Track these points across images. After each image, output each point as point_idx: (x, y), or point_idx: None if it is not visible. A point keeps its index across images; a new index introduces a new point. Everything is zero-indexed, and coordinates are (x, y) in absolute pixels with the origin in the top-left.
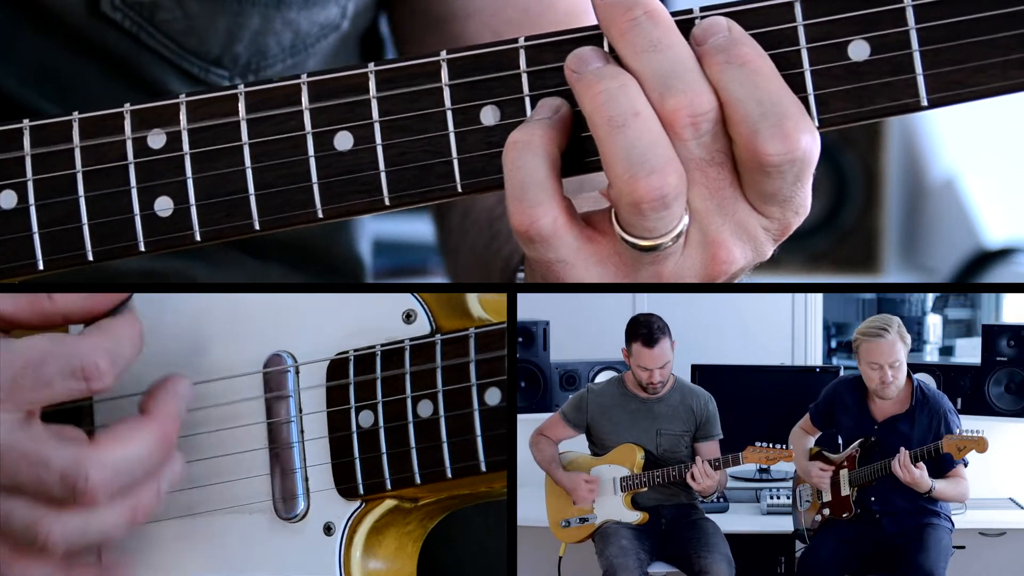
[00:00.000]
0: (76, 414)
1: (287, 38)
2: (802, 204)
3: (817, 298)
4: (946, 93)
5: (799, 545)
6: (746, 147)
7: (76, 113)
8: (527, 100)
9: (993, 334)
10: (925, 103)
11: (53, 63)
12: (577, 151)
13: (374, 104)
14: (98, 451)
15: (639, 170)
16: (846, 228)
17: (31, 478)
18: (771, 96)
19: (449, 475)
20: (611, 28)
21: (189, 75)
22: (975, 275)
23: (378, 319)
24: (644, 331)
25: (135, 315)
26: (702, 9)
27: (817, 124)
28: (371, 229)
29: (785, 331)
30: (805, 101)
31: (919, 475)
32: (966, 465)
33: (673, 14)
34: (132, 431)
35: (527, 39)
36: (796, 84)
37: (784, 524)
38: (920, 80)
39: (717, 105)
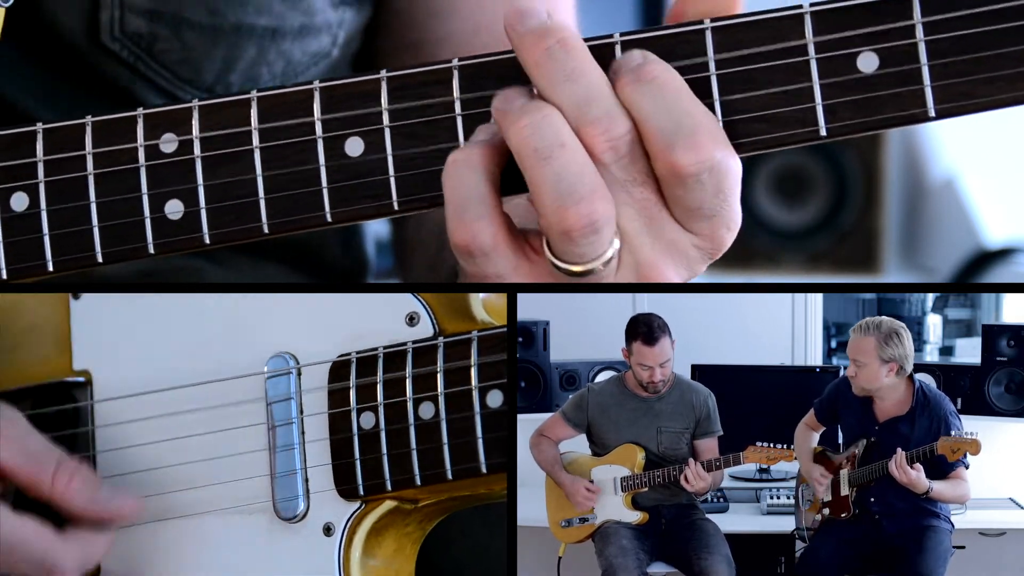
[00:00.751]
0: (75, 415)
1: (279, 67)
2: (731, 219)
3: (817, 298)
4: (954, 104)
5: (799, 545)
6: (662, 161)
7: (89, 117)
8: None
9: (993, 334)
10: (933, 114)
11: (58, 90)
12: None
13: (385, 111)
14: None
15: (567, 200)
16: (846, 228)
17: None
18: (681, 109)
19: (449, 477)
20: (526, 59)
21: (183, 103)
22: (975, 275)
23: (381, 321)
24: (644, 329)
25: (112, 535)
26: (712, 20)
27: (825, 134)
28: (374, 229)
29: (785, 331)
30: (813, 112)
31: (915, 476)
32: (967, 467)
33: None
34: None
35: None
36: (805, 95)
37: (784, 524)
38: (928, 92)
39: (632, 126)
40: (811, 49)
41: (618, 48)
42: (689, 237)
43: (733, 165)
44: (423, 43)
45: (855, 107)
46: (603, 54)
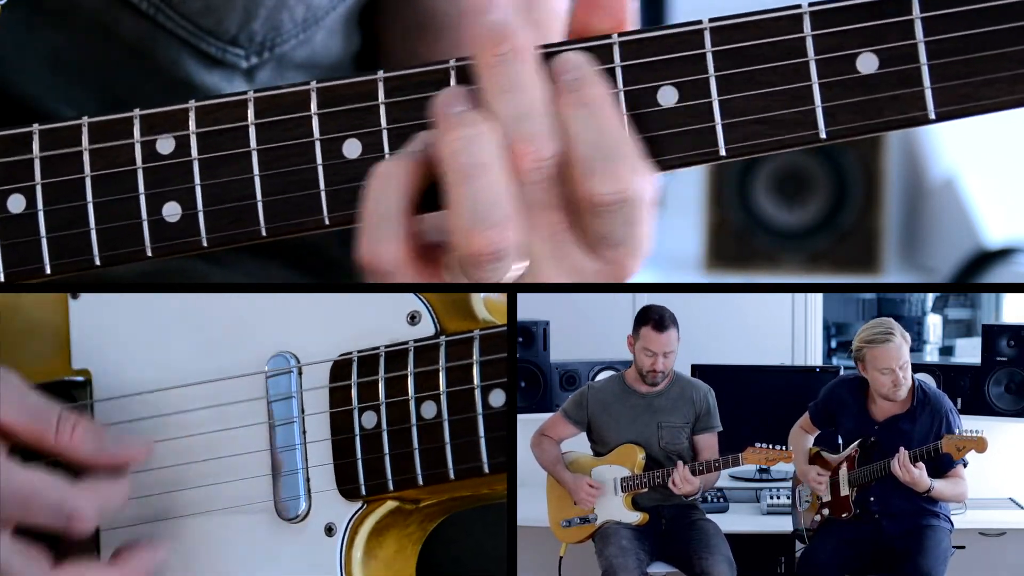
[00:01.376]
0: None
1: (300, 12)
2: (638, 247)
3: (817, 298)
4: (954, 107)
5: (799, 545)
6: (582, 187)
7: (85, 117)
8: None
9: (993, 334)
10: (933, 116)
11: (67, 52)
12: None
13: (383, 111)
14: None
15: (480, 224)
16: (846, 228)
17: None
18: (610, 138)
19: (452, 476)
20: (480, 60)
21: (206, 55)
22: (975, 275)
23: (382, 320)
24: (656, 316)
25: (128, 480)
26: (711, 20)
27: (824, 136)
28: None
29: (785, 331)
30: (812, 114)
31: (918, 475)
32: (965, 465)
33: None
34: (96, 574)
35: (536, 47)
36: (804, 96)
37: (784, 524)
38: (928, 94)
39: (561, 150)
40: (810, 49)
41: (616, 49)
42: (594, 264)
43: (646, 198)
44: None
45: (855, 109)
46: (600, 54)
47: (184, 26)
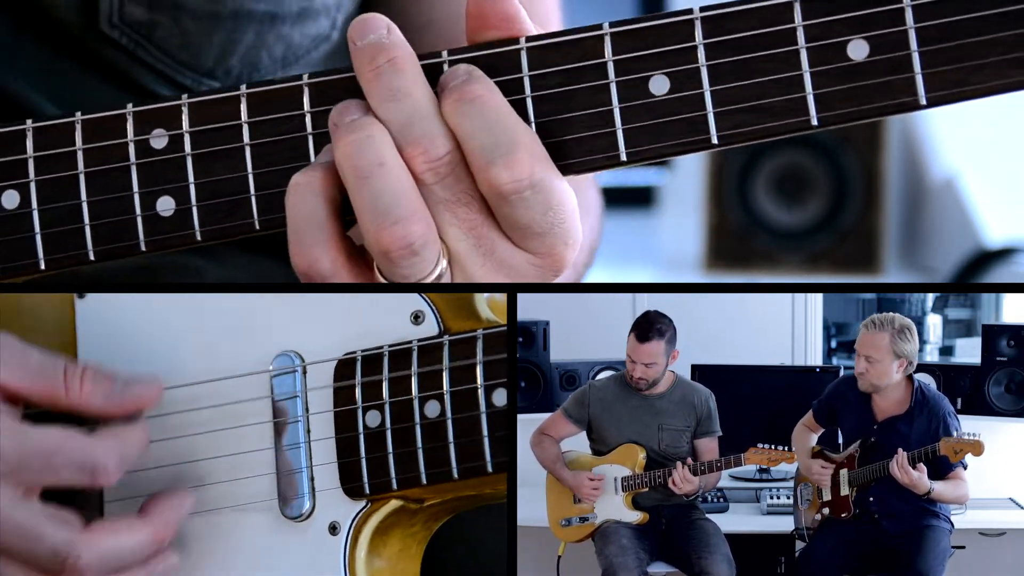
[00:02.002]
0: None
1: (279, 51)
2: (568, 236)
3: (817, 298)
4: (945, 92)
5: (799, 545)
6: (483, 180)
7: (79, 114)
8: (529, 101)
9: (993, 334)
10: (924, 102)
11: (54, 70)
12: None
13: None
14: (91, 536)
15: (384, 220)
16: (846, 228)
17: (24, 549)
18: (501, 127)
19: (455, 476)
20: (360, 75)
21: (182, 87)
22: (975, 275)
23: (386, 320)
24: (643, 325)
25: (145, 424)
26: (702, 9)
27: (816, 123)
28: None
29: (785, 331)
30: (804, 101)
31: (917, 477)
32: (965, 467)
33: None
34: (127, 527)
35: (528, 39)
36: (795, 84)
37: (784, 524)
38: (919, 79)
39: (454, 147)
40: (800, 37)
41: (607, 40)
42: (523, 255)
43: (558, 184)
44: (406, 29)
45: (846, 96)
46: (592, 45)
47: (162, 60)
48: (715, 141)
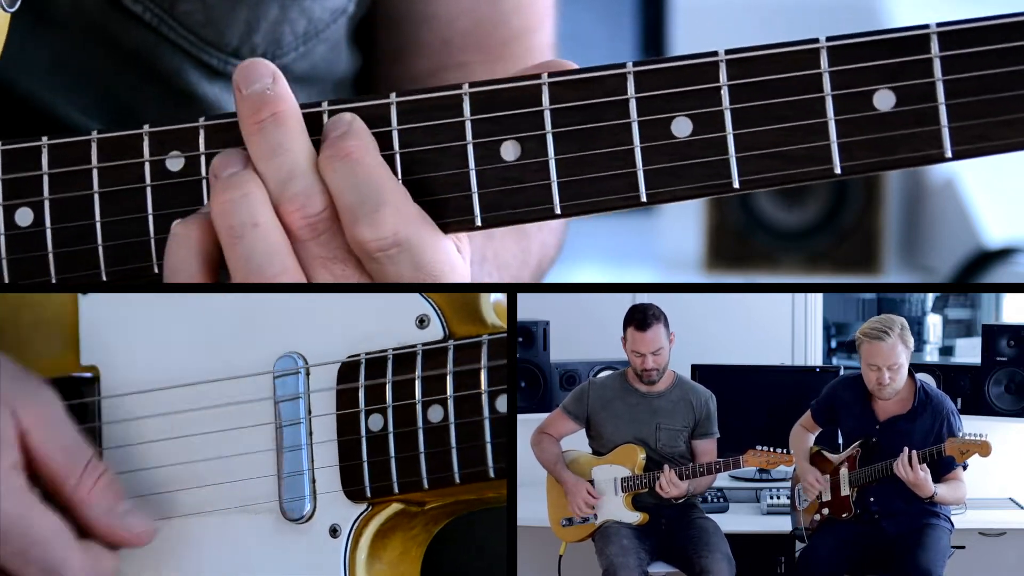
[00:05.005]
0: (82, 410)
1: (301, 26)
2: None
3: (817, 298)
4: (970, 146)
5: (798, 545)
6: (350, 237)
7: (95, 132)
8: (549, 137)
9: (993, 334)
10: (949, 155)
11: (70, 57)
12: None
13: (395, 136)
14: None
15: (255, 279)
16: (846, 228)
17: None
18: (369, 185)
19: (457, 480)
20: (243, 126)
21: (208, 67)
22: (975, 275)
23: (391, 323)
24: (639, 316)
25: (118, 556)
26: (727, 52)
27: (839, 172)
28: None
29: (785, 331)
30: (827, 149)
31: (923, 476)
32: (965, 467)
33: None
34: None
35: (551, 75)
36: (819, 132)
37: (784, 524)
38: (945, 132)
39: (330, 204)
40: (827, 85)
41: (630, 79)
42: None
43: (431, 242)
44: (407, 23)
45: (870, 146)
46: (615, 84)
47: (186, 37)
48: (736, 186)
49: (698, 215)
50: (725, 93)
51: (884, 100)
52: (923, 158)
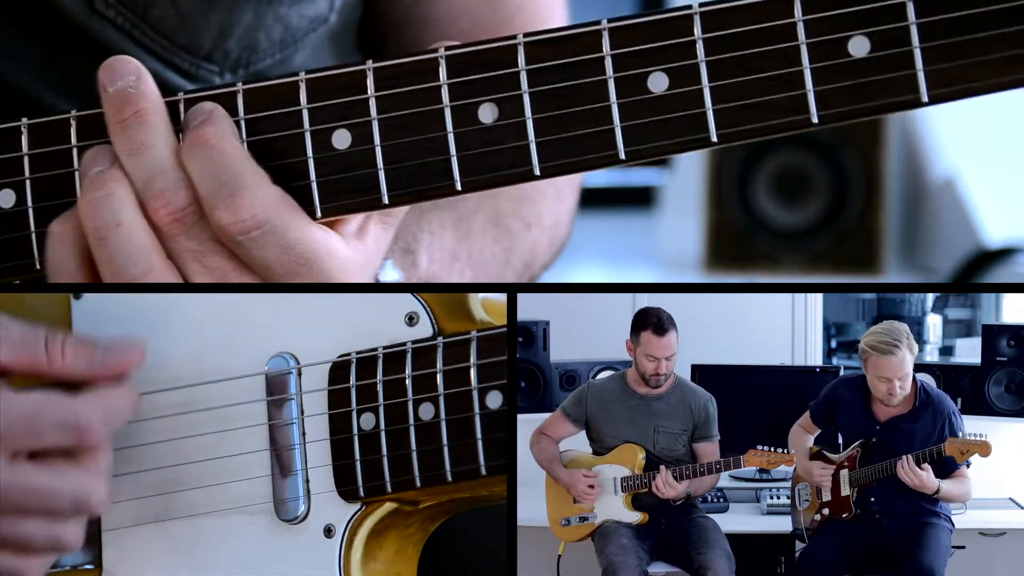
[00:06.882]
0: None
1: (277, 32)
2: (324, 277)
3: (817, 298)
4: (947, 89)
5: (798, 545)
6: (213, 223)
7: (74, 112)
8: (526, 97)
9: (993, 334)
10: (926, 99)
11: (56, 58)
12: None
13: (372, 102)
14: (96, 475)
15: (118, 278)
16: (846, 228)
17: (41, 507)
18: (227, 170)
19: (449, 479)
20: (108, 124)
21: (180, 70)
22: (975, 275)
23: (380, 321)
24: (655, 320)
25: (133, 385)
26: (701, 4)
27: (816, 121)
28: None
29: (785, 331)
30: (804, 98)
31: (926, 477)
32: (968, 465)
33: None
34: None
35: (526, 35)
36: (796, 81)
37: (784, 524)
38: (921, 76)
39: (196, 199)
40: (801, 34)
41: (605, 36)
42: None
43: (298, 225)
44: (406, 26)
45: (847, 93)
46: (590, 41)
47: (159, 41)
48: (715, 139)
49: (698, 215)
50: (700, 46)
51: (859, 46)
52: (900, 103)
